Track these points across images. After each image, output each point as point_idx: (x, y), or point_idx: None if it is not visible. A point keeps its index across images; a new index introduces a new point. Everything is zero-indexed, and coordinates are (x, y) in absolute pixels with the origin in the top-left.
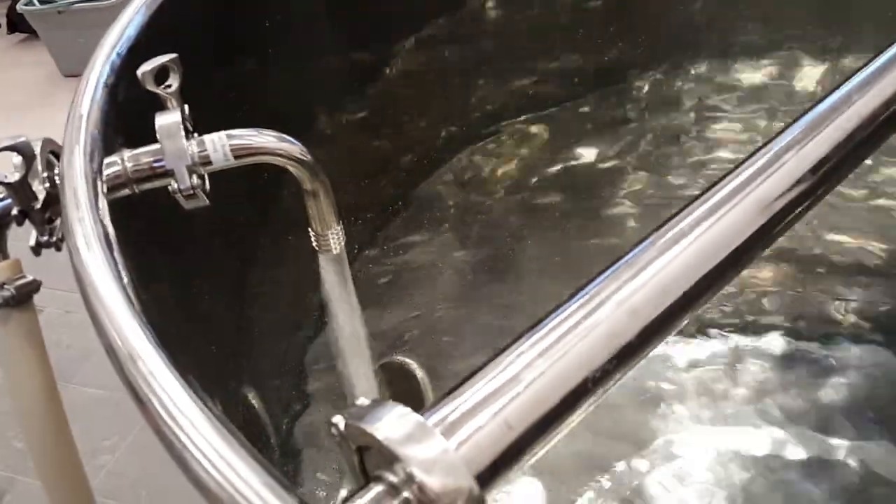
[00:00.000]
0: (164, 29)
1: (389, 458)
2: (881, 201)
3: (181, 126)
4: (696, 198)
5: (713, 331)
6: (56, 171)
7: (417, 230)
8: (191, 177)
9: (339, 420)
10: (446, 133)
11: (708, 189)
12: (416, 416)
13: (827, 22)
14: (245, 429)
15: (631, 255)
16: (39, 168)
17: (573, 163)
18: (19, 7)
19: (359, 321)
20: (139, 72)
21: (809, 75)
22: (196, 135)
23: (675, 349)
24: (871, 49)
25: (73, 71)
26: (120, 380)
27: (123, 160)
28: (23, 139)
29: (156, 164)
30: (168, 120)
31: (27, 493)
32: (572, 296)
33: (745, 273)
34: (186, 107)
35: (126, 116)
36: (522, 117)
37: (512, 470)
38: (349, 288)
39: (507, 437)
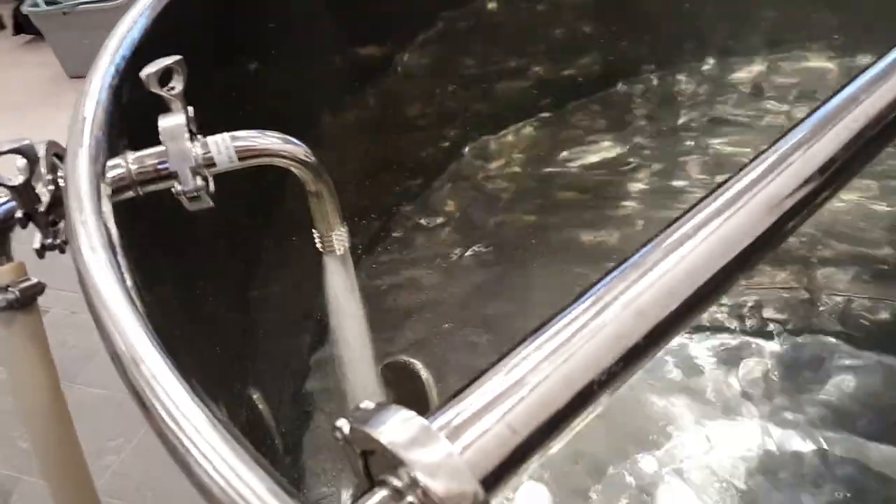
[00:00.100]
0: (167, 31)
1: (394, 463)
2: (882, 200)
3: (185, 128)
4: (703, 198)
5: (713, 331)
6: (60, 173)
7: (422, 230)
8: (195, 179)
9: (343, 424)
10: (449, 133)
11: (715, 190)
12: (421, 420)
13: (834, 19)
14: (249, 432)
15: (637, 256)
16: (43, 170)
17: (577, 162)
18: (24, 8)
19: (363, 322)
20: (143, 74)
21: (817, 73)
22: (200, 136)
23: (675, 349)
24: (878, 47)
25: (79, 72)
26: (123, 383)
27: (127, 162)
28: (26, 142)
29: (160, 166)
30: (172, 122)
31: (32, 493)
32: (578, 297)
33: None
34: (190, 108)
35: (130, 118)
36: (526, 116)
37: (517, 474)
38: (353, 289)
39: (512, 440)
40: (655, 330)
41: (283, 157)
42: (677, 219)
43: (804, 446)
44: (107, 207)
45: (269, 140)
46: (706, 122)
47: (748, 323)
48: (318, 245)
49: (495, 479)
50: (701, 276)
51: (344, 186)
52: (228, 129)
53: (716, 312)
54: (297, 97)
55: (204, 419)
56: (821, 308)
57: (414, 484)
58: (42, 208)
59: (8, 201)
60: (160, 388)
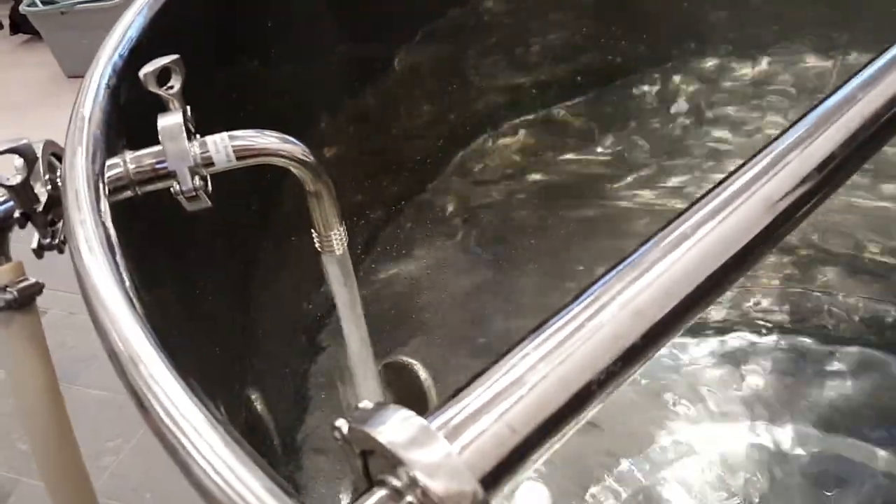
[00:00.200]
0: (165, 30)
1: (393, 462)
2: (882, 200)
3: (183, 127)
4: (701, 198)
5: (711, 331)
6: (58, 173)
7: (421, 230)
8: (193, 178)
9: (342, 424)
10: (448, 132)
11: (712, 189)
12: (420, 420)
13: (832, 18)
14: (248, 432)
15: (635, 255)
16: (41, 170)
17: (577, 162)
18: (22, 8)
19: (361, 321)
20: (141, 73)
21: (814, 72)
22: (198, 136)
23: (675, 349)
24: (875, 46)
25: (77, 72)
26: (122, 383)
27: (125, 162)
28: (24, 141)
29: (158, 166)
30: (170, 121)
31: (31, 495)
32: (576, 297)
33: None
34: (188, 108)
35: (128, 118)
36: (526, 116)
37: (516, 473)
38: (352, 288)
39: (511, 440)
40: (653, 330)
41: (282, 156)
42: (675, 218)
43: (802, 447)
44: (105, 207)
45: (267, 139)
46: (705, 122)
47: (745, 323)
48: (317, 245)
49: (494, 478)
50: (699, 275)
51: (343, 186)
52: (228, 129)
53: (713, 312)
54: (297, 97)
55: (203, 419)
56: (819, 307)
57: (413, 484)
58: (40, 208)
59: (6, 201)
60: (159, 388)
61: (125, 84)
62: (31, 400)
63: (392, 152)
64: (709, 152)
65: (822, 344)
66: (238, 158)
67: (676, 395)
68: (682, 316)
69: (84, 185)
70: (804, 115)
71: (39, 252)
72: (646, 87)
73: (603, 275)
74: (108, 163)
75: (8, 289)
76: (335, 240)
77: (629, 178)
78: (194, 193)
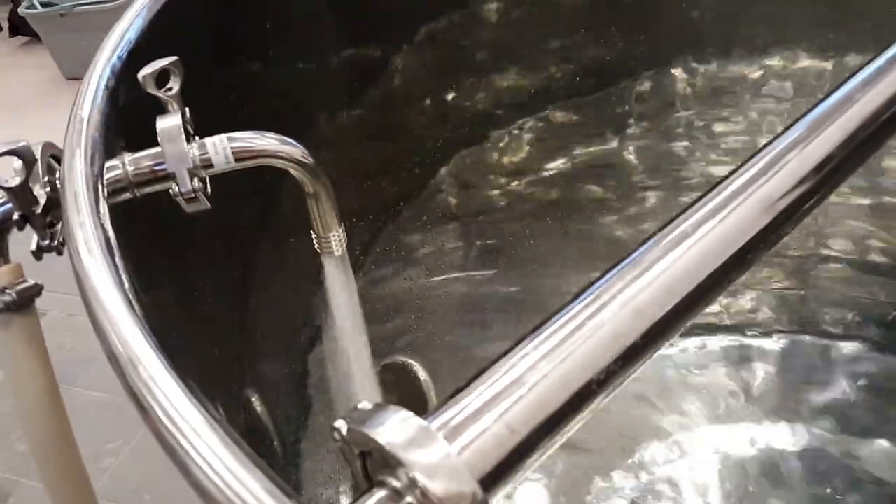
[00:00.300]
0: (164, 31)
1: (392, 463)
2: (883, 199)
3: (182, 129)
4: (700, 198)
5: (711, 330)
6: (57, 175)
7: (420, 231)
8: (192, 180)
9: (341, 424)
10: (448, 133)
11: (711, 189)
12: (419, 421)
13: (830, 19)
14: (247, 433)
15: (635, 254)
16: (40, 172)
17: (576, 162)
18: (21, 10)
19: (361, 322)
20: (140, 75)
21: (812, 73)
22: (197, 137)
23: (675, 349)
24: (873, 47)
25: (76, 74)
26: (121, 385)
27: (124, 164)
28: (23, 143)
29: (157, 168)
30: (169, 123)
31: (30, 497)
32: (576, 296)
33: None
34: (187, 109)
35: (127, 120)
36: (525, 117)
37: (516, 474)
38: (351, 289)
39: (511, 440)
40: (654, 329)
41: (281, 157)
42: (674, 218)
43: (803, 447)
44: (104, 209)
45: (266, 141)
46: (704, 122)
47: (745, 323)
48: (316, 246)
49: (494, 479)
50: (699, 274)
51: (342, 187)
52: (227, 130)
53: (712, 312)
54: (296, 98)
55: (202, 420)
56: (819, 307)
57: (412, 484)
58: (39, 210)
59: (5, 203)
60: (158, 389)
61: (124, 86)
62: (30, 401)
63: (391, 153)
64: (708, 153)
65: (821, 344)
66: (237, 160)
67: (674, 396)
68: (682, 315)
69: (83, 187)
70: (803, 116)
71: (38, 254)
72: (644, 88)
73: (603, 274)
74: (107, 164)
75: (7, 290)
76: (334, 241)
77: (628, 179)
78: (193, 195)
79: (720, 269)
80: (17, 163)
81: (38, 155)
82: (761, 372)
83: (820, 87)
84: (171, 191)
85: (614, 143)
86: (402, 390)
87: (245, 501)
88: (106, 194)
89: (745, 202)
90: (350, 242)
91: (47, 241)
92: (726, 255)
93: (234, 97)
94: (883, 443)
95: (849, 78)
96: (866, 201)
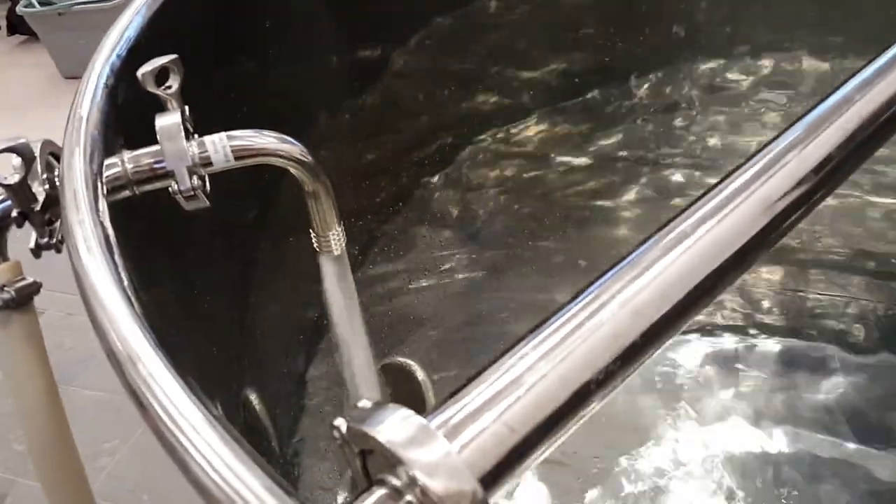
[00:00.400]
0: (163, 30)
1: (392, 462)
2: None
3: (181, 127)
4: (699, 198)
5: (709, 331)
6: (56, 172)
7: (419, 230)
8: (191, 178)
9: (341, 423)
10: (446, 133)
11: (710, 189)
12: (419, 419)
13: (829, 21)
14: (246, 431)
15: (634, 255)
16: (39, 170)
17: (574, 162)
18: (19, 9)
19: (360, 322)
20: (139, 73)
21: (811, 74)
22: (196, 136)
23: (674, 349)
24: (872, 48)
25: (74, 73)
26: (120, 383)
27: (124, 161)
28: (22, 141)
29: (156, 166)
30: (168, 121)
31: (28, 496)
32: (575, 297)
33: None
34: (187, 108)
35: (126, 118)
36: (523, 116)
37: (516, 473)
38: (350, 288)
39: (510, 439)
40: (652, 329)
41: (280, 156)
42: (673, 218)
43: (800, 448)
44: (103, 207)
45: (265, 139)
46: (703, 122)
47: (743, 324)
48: (315, 245)
49: (494, 477)
50: (697, 275)
51: (341, 187)
52: (226, 129)
53: (711, 313)
54: (296, 97)
55: (201, 418)
56: (816, 309)
57: (412, 483)
58: (38, 207)
59: (3, 200)
60: (157, 387)
61: (123, 84)
62: (28, 400)
63: (390, 152)
64: (707, 153)
65: (821, 346)
66: (236, 158)
67: (672, 396)
68: (681, 315)
69: (82, 185)
70: (802, 117)
71: (37, 251)
72: (643, 89)
73: (602, 274)
74: (107, 162)
75: (6, 288)
76: (333, 240)
77: (627, 179)
78: (192, 193)
79: (719, 269)
80: (16, 160)
81: (36, 153)
82: (756, 373)
83: (819, 88)
84: (170, 189)
85: (614, 144)
86: (400, 390)
87: (244, 499)
88: (105, 192)
89: (744, 203)
90: (349, 242)
91: (46, 239)
92: (725, 256)
93: (233, 96)
94: (882, 446)
95: (847, 79)
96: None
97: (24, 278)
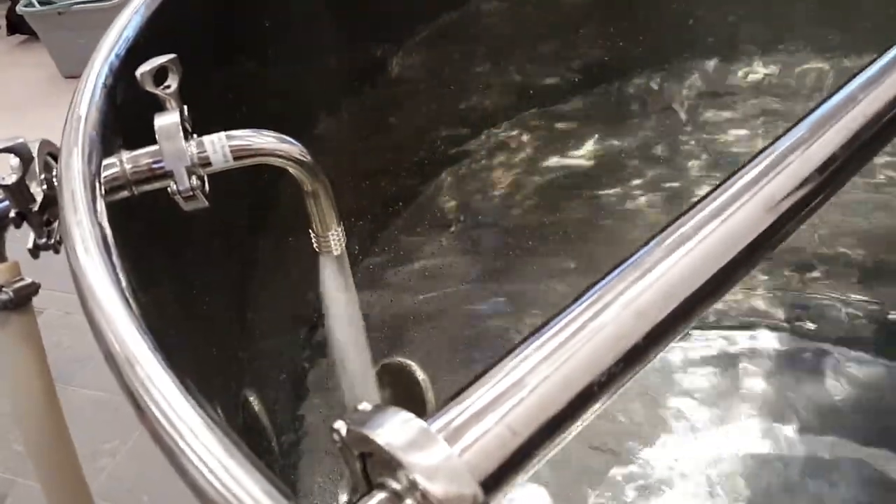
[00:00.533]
0: (162, 29)
1: (392, 465)
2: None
3: (180, 127)
4: (702, 199)
5: (711, 331)
6: (54, 172)
7: (419, 231)
8: (190, 178)
9: (341, 426)
10: (447, 133)
11: (713, 190)
12: (420, 422)
13: (830, 20)
14: (245, 434)
15: (637, 256)
16: (37, 170)
17: (575, 162)
18: (19, 8)
19: (359, 322)
20: (138, 72)
21: (812, 74)
22: (195, 136)
23: (674, 349)
24: (874, 47)
25: (74, 72)
26: (118, 384)
27: (122, 162)
28: (20, 140)
29: (155, 166)
30: (167, 121)
31: (27, 496)
32: (577, 298)
33: None
34: (186, 107)
35: (125, 118)
36: (524, 116)
37: (517, 476)
38: (350, 289)
39: (512, 442)
40: (655, 330)
41: (279, 156)
42: (676, 219)
43: (800, 448)
44: (101, 207)
45: (264, 139)
46: (704, 123)
47: (746, 324)
48: (315, 245)
49: (495, 481)
50: (701, 276)
51: (341, 187)
52: (226, 129)
53: (713, 313)
54: (295, 97)
55: (199, 421)
56: (818, 308)
57: (413, 487)
58: (36, 208)
59: (1, 201)
60: (155, 389)
61: (122, 83)
62: (26, 401)
63: (390, 153)
64: (709, 154)
65: (822, 346)
66: (235, 158)
67: (675, 397)
68: (684, 316)
69: (80, 185)
70: (805, 116)
71: (35, 252)
72: (643, 89)
73: (605, 275)
74: (105, 162)
75: (4, 289)
76: (333, 240)
77: (627, 180)
78: (191, 193)
79: (723, 270)
80: (14, 160)
81: (34, 152)
82: (758, 373)
83: (820, 88)
84: (168, 189)
85: (613, 145)
86: (400, 390)
87: (243, 502)
88: (103, 192)
89: (747, 203)
90: (349, 242)
91: (44, 240)
92: (729, 257)
93: (232, 96)
94: (882, 446)
95: (851, 78)
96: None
97: (22, 279)
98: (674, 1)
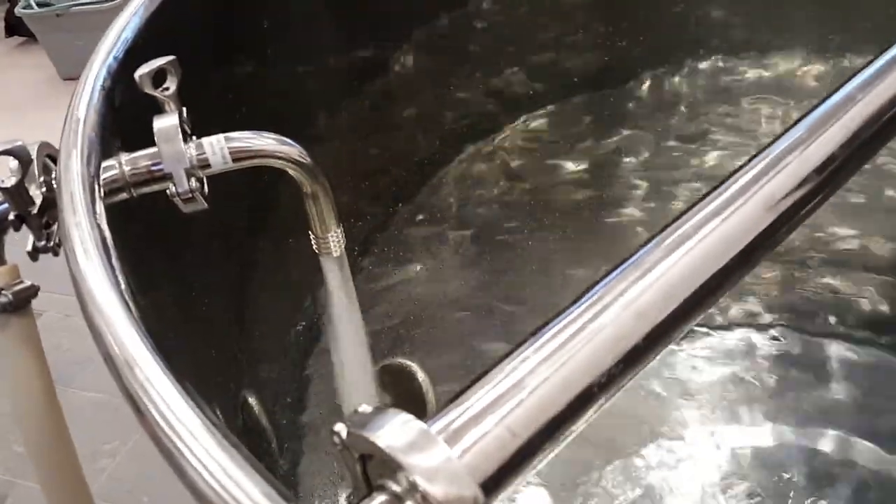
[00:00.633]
0: (161, 31)
1: (392, 467)
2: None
3: (179, 129)
4: (702, 198)
5: (710, 330)
6: (53, 175)
7: (418, 231)
8: (189, 180)
9: (340, 428)
10: (446, 133)
11: (713, 190)
12: (419, 424)
13: (829, 20)
14: (245, 436)
15: (636, 256)
16: (36, 172)
17: (574, 163)
18: (17, 10)
19: (359, 323)
20: (137, 74)
21: (812, 74)
22: (194, 137)
23: (674, 349)
24: (872, 47)
25: (72, 74)
26: (118, 386)
27: (121, 164)
28: (19, 143)
29: (154, 168)
30: (166, 123)
31: (27, 498)
32: (576, 299)
33: None
34: (185, 109)
35: (123, 120)
36: (523, 117)
37: (517, 478)
38: (350, 290)
39: (512, 444)
40: (655, 331)
41: (279, 158)
42: (676, 219)
43: (801, 446)
44: (100, 209)
45: (263, 141)
46: (703, 123)
47: (745, 322)
48: (314, 247)
49: (495, 483)
50: (700, 276)
51: (341, 187)
52: (226, 130)
53: (713, 312)
54: (295, 97)
55: (199, 423)
56: (819, 306)
57: (413, 489)
58: (35, 210)
59: (0, 203)
60: (155, 391)
61: (120, 85)
62: (26, 402)
63: (389, 153)
64: (707, 155)
65: (823, 344)
66: (234, 160)
67: (675, 396)
68: (684, 317)
69: (79, 188)
70: (804, 116)
71: (34, 254)
72: (643, 89)
73: (604, 276)
74: (104, 165)
75: (3, 292)
76: (332, 241)
77: (626, 181)
78: (190, 195)
79: (722, 270)
80: (13, 163)
81: (33, 155)
82: (760, 371)
83: (820, 88)
84: (167, 191)
85: (612, 145)
86: (400, 391)
87: None
88: (102, 194)
89: (747, 203)
90: (348, 243)
91: (43, 242)
92: (728, 257)
93: (232, 97)
94: (882, 444)
95: (850, 78)
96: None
97: (21, 281)
98: (674, 1)
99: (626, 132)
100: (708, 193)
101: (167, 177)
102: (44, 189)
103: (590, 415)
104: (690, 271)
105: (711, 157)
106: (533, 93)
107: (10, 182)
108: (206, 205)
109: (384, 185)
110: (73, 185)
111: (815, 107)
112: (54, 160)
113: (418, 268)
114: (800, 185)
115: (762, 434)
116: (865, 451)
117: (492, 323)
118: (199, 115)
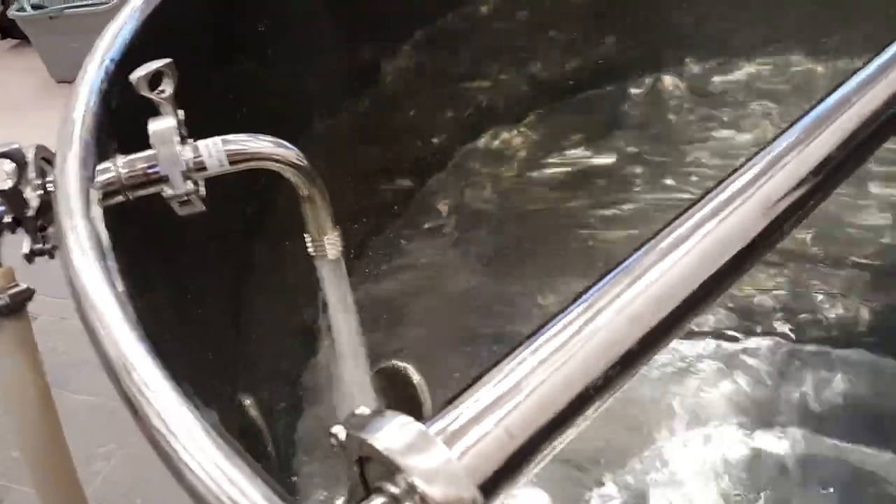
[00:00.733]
0: (158, 32)
1: (391, 469)
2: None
3: (175, 131)
4: (697, 201)
5: (707, 334)
6: (49, 177)
7: (415, 234)
8: (185, 183)
9: (338, 430)
10: (444, 135)
11: (709, 192)
12: (418, 426)
13: (824, 21)
14: (242, 438)
15: (631, 260)
16: (32, 175)
17: (571, 164)
18: (10, 13)
19: (356, 326)
20: (132, 77)
21: (808, 75)
22: (191, 140)
23: (672, 350)
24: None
25: (65, 77)
26: (115, 389)
27: (117, 166)
28: (15, 146)
29: (150, 171)
30: (162, 125)
31: (23, 502)
32: (572, 302)
33: None
34: (181, 112)
35: (119, 122)
36: (521, 119)
37: (515, 479)
38: (347, 292)
39: (510, 445)
40: (650, 335)
41: (275, 160)
42: (671, 222)
43: (798, 449)
44: (96, 212)
45: (260, 143)
46: (699, 124)
47: (742, 325)
48: (311, 250)
49: (493, 484)
50: (695, 279)
51: (338, 190)
52: (224, 132)
53: (709, 315)
54: (295, 98)
55: (196, 425)
56: (816, 309)
57: (411, 490)
58: (31, 213)
59: None
60: (152, 394)
61: (117, 88)
62: (22, 406)
63: (388, 155)
64: (704, 156)
65: (820, 346)
66: (231, 163)
67: (673, 399)
68: (678, 320)
69: (75, 190)
70: (800, 118)
71: (30, 257)
72: (638, 90)
73: (599, 280)
74: (100, 167)
75: None
76: (329, 244)
77: (623, 181)
78: (187, 198)
79: (717, 273)
80: (9, 165)
81: (29, 158)
82: (755, 374)
83: (815, 89)
84: (164, 194)
85: (610, 146)
86: (396, 394)
87: None
88: (98, 197)
89: (742, 205)
90: (346, 245)
91: (39, 245)
92: (723, 259)
93: (230, 98)
94: (880, 446)
95: (846, 79)
96: None
97: (17, 285)
98: (674, 1)
99: (625, 133)
100: (703, 195)
101: (163, 179)
102: (40, 192)
103: (587, 416)
104: (685, 275)
105: (709, 159)
106: (532, 92)
107: (6, 185)
108: (202, 207)
109: (383, 185)
110: (69, 187)
111: (812, 108)
112: (50, 163)
113: (415, 270)
114: (796, 187)
115: (761, 437)
116: (861, 453)
117: (490, 325)
118: (199, 117)
